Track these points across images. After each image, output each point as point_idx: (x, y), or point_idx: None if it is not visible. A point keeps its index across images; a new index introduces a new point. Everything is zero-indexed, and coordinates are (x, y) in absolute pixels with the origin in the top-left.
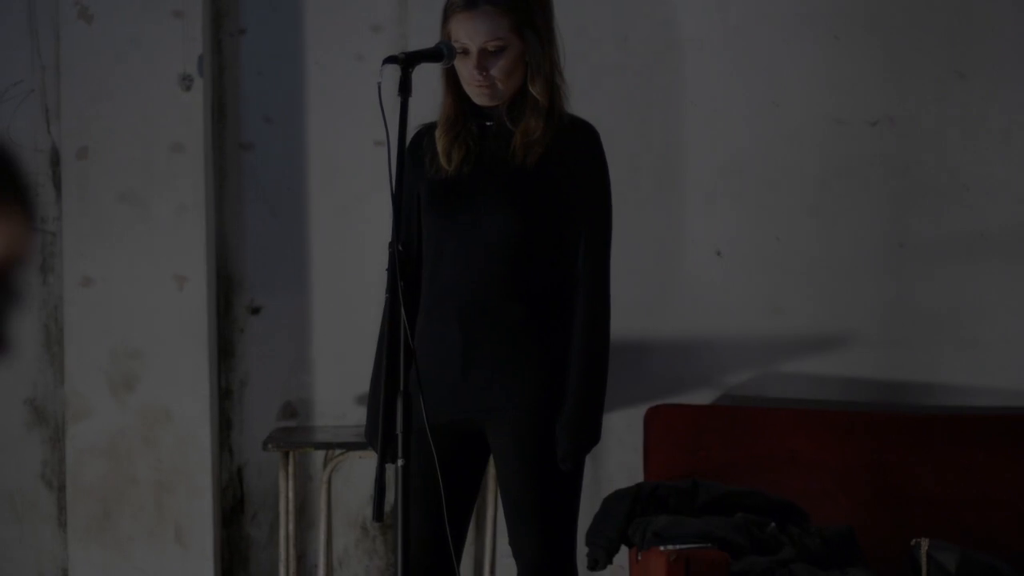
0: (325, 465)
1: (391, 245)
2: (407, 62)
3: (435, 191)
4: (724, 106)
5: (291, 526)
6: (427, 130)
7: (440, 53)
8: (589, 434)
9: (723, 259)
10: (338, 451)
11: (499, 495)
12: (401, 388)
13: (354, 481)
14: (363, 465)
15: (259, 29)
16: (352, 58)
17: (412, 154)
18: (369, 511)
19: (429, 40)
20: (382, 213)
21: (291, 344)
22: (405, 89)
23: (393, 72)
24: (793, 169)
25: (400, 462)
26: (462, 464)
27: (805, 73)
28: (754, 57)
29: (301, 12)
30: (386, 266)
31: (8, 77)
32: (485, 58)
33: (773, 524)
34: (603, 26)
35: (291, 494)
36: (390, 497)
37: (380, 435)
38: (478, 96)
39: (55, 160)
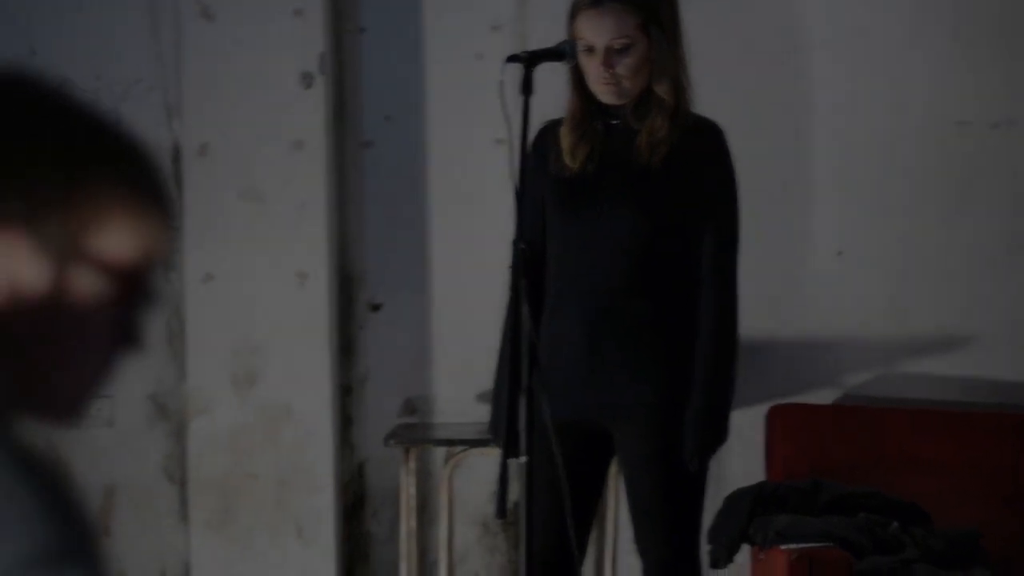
0: (446, 462)
1: (515, 243)
2: (529, 61)
3: (559, 189)
4: (845, 106)
5: (412, 522)
6: (551, 127)
7: (562, 52)
8: (716, 433)
9: (844, 259)
10: (459, 448)
11: (620, 492)
12: (525, 385)
13: (475, 478)
14: (484, 462)
15: (379, 28)
16: (472, 57)
17: (536, 151)
18: (490, 508)
19: (549, 39)
20: (502, 210)
21: (411, 341)
22: (528, 88)
23: (513, 70)
24: (914, 170)
25: (523, 459)
26: (586, 461)
27: (927, 74)
28: (875, 58)
29: (420, 11)
30: (509, 264)
31: (130, 74)
32: (611, 56)
33: (896, 524)
34: (725, 26)
35: (412, 490)
36: (513, 494)
37: (504, 431)
38: (604, 94)
39: (176, 156)
